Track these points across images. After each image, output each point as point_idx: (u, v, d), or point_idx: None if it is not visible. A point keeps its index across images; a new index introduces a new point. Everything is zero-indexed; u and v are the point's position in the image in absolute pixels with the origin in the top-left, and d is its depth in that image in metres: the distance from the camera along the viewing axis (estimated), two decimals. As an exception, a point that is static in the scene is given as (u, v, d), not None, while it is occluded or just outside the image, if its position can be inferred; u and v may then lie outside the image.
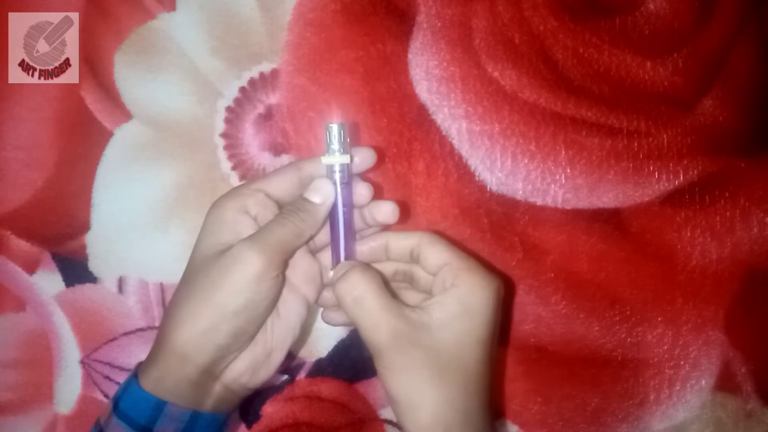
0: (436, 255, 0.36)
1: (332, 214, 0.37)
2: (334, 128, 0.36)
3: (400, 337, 0.33)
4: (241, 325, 0.34)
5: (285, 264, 0.36)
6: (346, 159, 0.37)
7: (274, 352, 0.37)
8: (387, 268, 0.39)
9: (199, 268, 0.35)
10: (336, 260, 0.37)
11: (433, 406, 0.32)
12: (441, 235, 0.37)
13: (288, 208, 0.36)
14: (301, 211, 0.36)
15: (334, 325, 0.40)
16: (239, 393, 0.37)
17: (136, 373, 0.35)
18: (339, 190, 0.37)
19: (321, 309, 0.40)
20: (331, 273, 0.37)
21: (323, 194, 0.36)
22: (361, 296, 0.34)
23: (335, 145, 0.36)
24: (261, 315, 0.35)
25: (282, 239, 0.35)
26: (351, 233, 0.38)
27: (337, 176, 0.37)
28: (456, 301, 0.34)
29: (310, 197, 0.36)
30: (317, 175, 0.38)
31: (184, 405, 0.34)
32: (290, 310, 0.37)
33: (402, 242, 0.37)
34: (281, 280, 0.36)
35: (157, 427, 0.33)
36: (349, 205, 0.37)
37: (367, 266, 0.36)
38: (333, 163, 0.37)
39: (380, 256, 0.38)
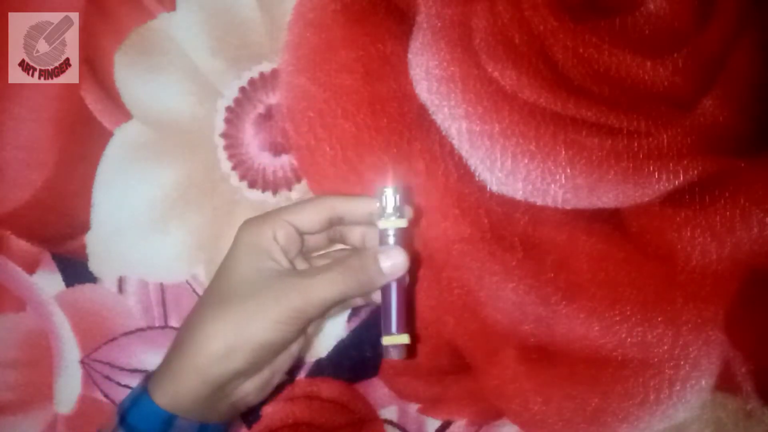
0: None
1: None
2: (389, 192, 0.35)
3: None
4: (264, 356, 0.35)
5: (321, 315, 0.36)
6: (402, 223, 0.35)
7: (276, 374, 0.37)
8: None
9: (236, 289, 0.35)
10: (387, 331, 0.36)
11: None
12: None
13: (352, 263, 0.35)
14: (363, 275, 0.34)
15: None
16: (241, 409, 0.37)
17: (145, 386, 0.35)
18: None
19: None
20: (384, 341, 0.36)
21: (395, 267, 0.35)
22: None
23: (390, 209, 0.35)
24: (282, 350, 0.36)
25: (330, 297, 0.34)
26: (407, 303, 0.36)
27: (391, 239, 0.35)
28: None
29: (382, 263, 0.34)
30: (349, 218, 0.37)
31: (192, 418, 0.34)
32: None
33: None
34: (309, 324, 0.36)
35: None
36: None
37: None
38: (389, 227, 0.35)
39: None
